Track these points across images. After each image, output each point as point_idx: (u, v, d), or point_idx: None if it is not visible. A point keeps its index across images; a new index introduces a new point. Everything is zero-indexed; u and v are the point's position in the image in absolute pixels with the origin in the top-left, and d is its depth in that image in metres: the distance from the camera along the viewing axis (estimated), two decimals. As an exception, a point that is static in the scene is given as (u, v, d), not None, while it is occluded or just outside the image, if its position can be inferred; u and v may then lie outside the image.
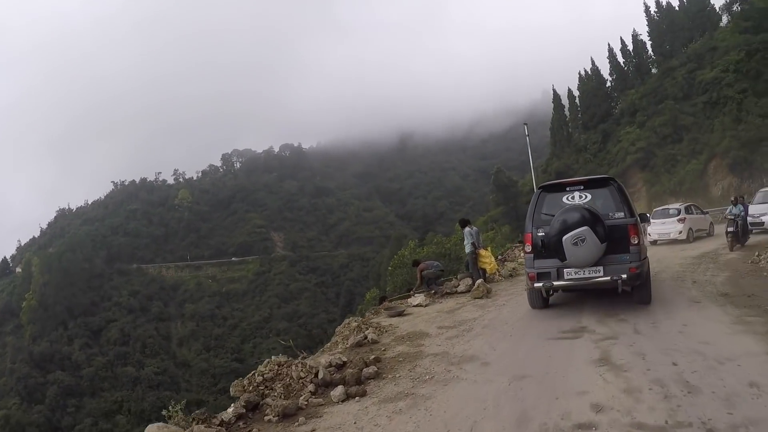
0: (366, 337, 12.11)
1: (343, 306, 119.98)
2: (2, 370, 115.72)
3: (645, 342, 9.25)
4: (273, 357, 10.48)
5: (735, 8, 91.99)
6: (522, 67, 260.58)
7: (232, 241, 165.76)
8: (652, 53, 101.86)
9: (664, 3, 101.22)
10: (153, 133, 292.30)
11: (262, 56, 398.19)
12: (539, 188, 12.92)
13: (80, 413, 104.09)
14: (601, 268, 11.35)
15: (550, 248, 11.63)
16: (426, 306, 16.49)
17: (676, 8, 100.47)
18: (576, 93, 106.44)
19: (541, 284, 11.89)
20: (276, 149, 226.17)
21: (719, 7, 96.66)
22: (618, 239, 11.31)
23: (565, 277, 11.62)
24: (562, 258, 11.42)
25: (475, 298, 16.42)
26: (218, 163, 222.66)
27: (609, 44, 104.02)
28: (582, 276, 11.46)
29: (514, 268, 22.79)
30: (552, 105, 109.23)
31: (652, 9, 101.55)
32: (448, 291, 18.40)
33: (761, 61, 73.79)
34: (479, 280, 17.66)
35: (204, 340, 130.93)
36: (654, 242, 30.36)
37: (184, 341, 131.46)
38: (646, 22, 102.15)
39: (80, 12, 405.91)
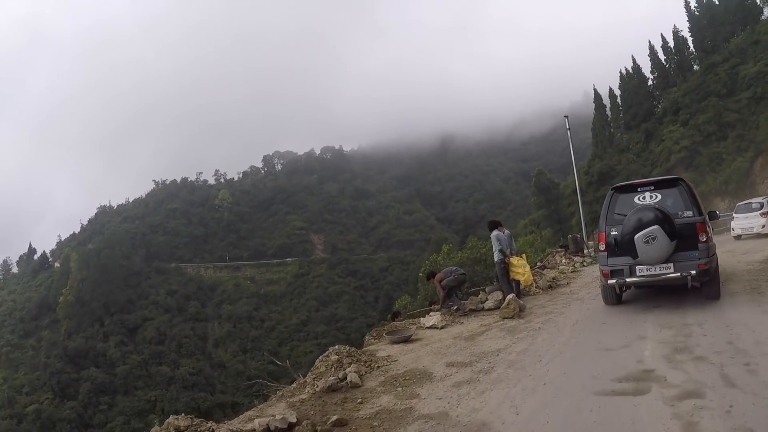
0: (344, 378, 9.42)
1: (381, 310, 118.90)
2: (36, 365, 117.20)
3: (745, 403, 6.35)
4: (172, 418, 8.04)
5: None
6: (562, 68, 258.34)
7: (272, 243, 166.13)
8: (693, 50, 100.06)
9: None
10: (195, 134, 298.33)
11: (302, 59, 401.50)
12: (612, 189, 13.47)
13: (112, 411, 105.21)
14: (671, 264, 11.81)
15: (622, 246, 12.15)
16: (442, 328, 13.84)
17: (716, 3, 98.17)
18: (617, 92, 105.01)
19: (614, 281, 12.43)
20: (317, 151, 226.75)
21: (760, 0, 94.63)
22: (687, 237, 11.82)
23: (637, 273, 12.13)
24: (634, 256, 11.96)
25: (505, 318, 13.75)
26: (259, 165, 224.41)
27: (650, 41, 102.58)
28: (653, 273, 11.96)
29: (554, 278, 20.46)
30: (593, 105, 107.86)
31: (692, 4, 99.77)
32: (473, 307, 15.79)
33: None
34: (510, 295, 14.66)
35: (240, 341, 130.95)
36: (738, 237, 30.28)
37: (221, 342, 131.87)
38: (687, 18, 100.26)
39: (130, 15, 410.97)
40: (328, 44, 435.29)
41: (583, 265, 26.05)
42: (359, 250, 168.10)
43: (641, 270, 12.04)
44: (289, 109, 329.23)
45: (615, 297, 13.34)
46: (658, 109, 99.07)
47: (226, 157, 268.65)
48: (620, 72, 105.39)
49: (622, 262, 12.28)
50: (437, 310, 16.56)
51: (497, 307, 15.01)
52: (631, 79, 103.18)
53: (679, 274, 11.62)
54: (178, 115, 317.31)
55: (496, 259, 17.13)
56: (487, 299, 16.18)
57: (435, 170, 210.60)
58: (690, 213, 12.11)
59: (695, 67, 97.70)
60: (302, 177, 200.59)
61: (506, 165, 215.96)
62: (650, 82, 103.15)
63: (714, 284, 12.21)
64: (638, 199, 12.56)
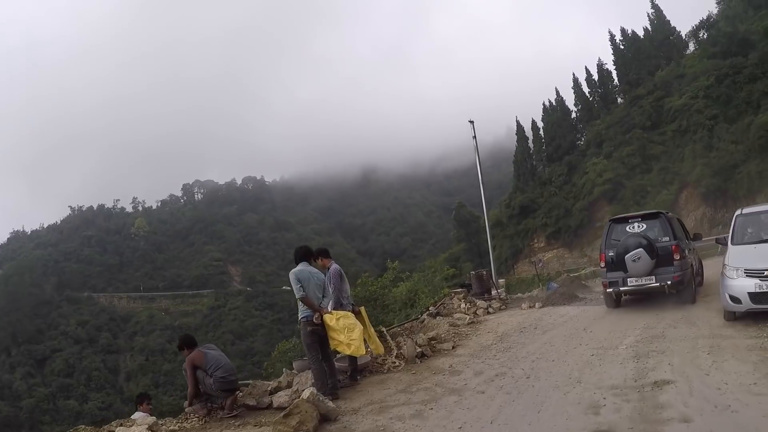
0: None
1: (297, 344, 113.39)
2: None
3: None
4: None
5: (701, 35, 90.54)
6: (487, 102, 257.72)
7: (188, 274, 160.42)
8: (617, 82, 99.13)
9: (629, 31, 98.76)
10: (117, 160, 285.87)
11: (229, 89, 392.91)
12: (609, 221, 17.44)
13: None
14: (653, 277, 15.00)
15: (617, 264, 15.39)
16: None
17: (641, 37, 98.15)
18: (540, 125, 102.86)
19: (611, 290, 15.86)
20: (239, 181, 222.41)
21: (686, 34, 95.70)
22: (664, 256, 14.99)
23: (628, 284, 15.34)
24: (625, 271, 15.18)
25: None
26: (179, 194, 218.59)
27: (573, 74, 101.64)
28: (640, 283, 15.18)
29: (432, 339, 13.55)
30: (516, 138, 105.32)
31: (617, 38, 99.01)
32: (251, 403, 9.49)
33: (731, 86, 72.03)
34: (307, 392, 8.14)
35: (153, 375, 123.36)
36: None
37: (132, 375, 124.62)
38: (612, 52, 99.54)
39: (59, 41, 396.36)
40: (255, 74, 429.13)
41: (489, 312, 19.14)
42: (278, 283, 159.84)
43: (631, 281, 15.27)
44: (213, 139, 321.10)
45: (614, 302, 16.47)
46: (581, 141, 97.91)
47: (149, 186, 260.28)
48: (543, 104, 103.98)
49: (617, 275, 15.52)
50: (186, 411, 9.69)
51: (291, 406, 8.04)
52: (555, 111, 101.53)
53: (659, 284, 14.93)
54: (102, 143, 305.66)
55: (299, 316, 10.03)
56: (282, 388, 10.00)
57: (357, 202, 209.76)
58: (667, 238, 15.39)
59: (619, 100, 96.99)
60: (222, 207, 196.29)
61: (429, 198, 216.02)
62: (574, 115, 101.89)
63: (688, 291, 15.40)
64: (629, 228, 15.95)
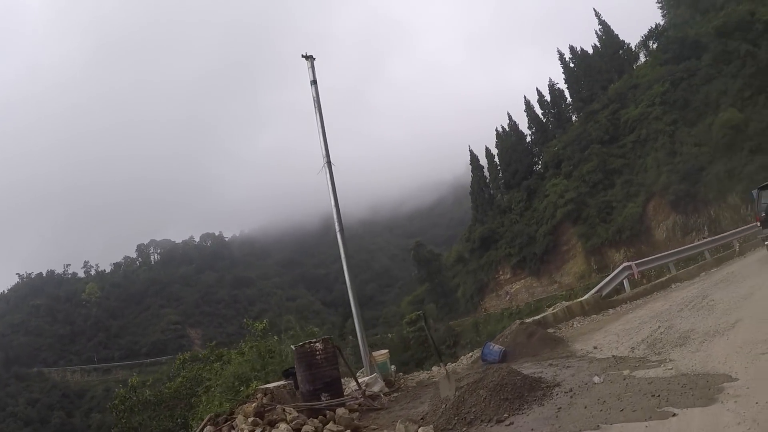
0: None
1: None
2: None
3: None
4: None
5: (651, 44, 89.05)
6: (445, 140, 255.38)
7: (145, 340, 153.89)
8: (571, 100, 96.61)
9: (578, 49, 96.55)
10: (69, 223, 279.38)
11: (186, 142, 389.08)
12: (758, 188, 20.28)
13: None
14: None
15: None
16: None
17: (590, 53, 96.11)
18: (495, 152, 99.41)
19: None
20: (196, 239, 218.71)
21: (635, 46, 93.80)
22: None
23: None
24: None
25: None
26: (134, 255, 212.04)
27: (525, 97, 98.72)
28: None
29: None
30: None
31: (567, 56, 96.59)
32: None
33: (688, 89, 70.70)
34: None
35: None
36: None
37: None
38: (562, 71, 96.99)
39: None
40: (212, 129, 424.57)
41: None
42: (239, 343, 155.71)
43: None
44: (169, 197, 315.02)
45: None
46: (538, 165, 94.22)
47: (102, 248, 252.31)
48: (496, 130, 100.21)
49: None
50: None
51: None
52: (509, 136, 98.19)
53: None
54: (51, 202, 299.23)
55: None
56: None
57: (320, 252, 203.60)
58: None
59: (574, 118, 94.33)
60: (179, 266, 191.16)
61: (392, 242, 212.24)
62: (529, 138, 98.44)
63: None
64: None
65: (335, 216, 13.92)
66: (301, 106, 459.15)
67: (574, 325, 16.04)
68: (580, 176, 78.09)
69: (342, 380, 12.43)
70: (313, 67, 15.76)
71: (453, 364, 15.52)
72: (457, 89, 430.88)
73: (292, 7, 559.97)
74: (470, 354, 16.16)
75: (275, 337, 19.19)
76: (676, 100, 70.45)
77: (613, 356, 10.66)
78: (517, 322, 15.17)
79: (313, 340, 11.92)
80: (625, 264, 21.04)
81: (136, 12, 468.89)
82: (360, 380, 12.79)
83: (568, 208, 76.76)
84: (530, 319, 16.35)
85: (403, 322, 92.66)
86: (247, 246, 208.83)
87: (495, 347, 13.71)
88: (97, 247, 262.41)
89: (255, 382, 13.28)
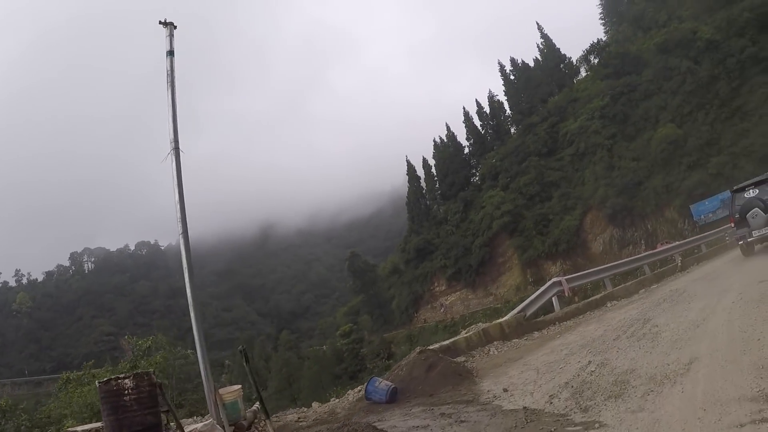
0: None
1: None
2: None
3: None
4: None
5: (592, 59, 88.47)
6: (385, 151, 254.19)
7: (77, 352, 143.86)
8: (510, 112, 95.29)
9: (519, 61, 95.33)
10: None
11: (123, 147, 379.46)
12: (731, 191, 22.38)
13: None
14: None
15: (742, 220, 20.28)
16: None
17: (531, 66, 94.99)
18: (432, 162, 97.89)
19: (742, 242, 20.42)
20: (132, 247, 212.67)
21: (576, 60, 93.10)
22: None
23: (753, 235, 19.84)
24: (749, 226, 19.97)
25: None
26: (67, 263, 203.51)
27: (464, 108, 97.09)
28: (759, 234, 19.62)
29: None
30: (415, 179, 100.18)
31: (508, 68, 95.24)
32: None
33: (627, 104, 70.67)
34: None
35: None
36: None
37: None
38: (502, 82, 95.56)
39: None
40: (151, 133, 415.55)
41: None
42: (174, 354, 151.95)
43: (755, 232, 19.75)
44: (105, 202, 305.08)
45: (749, 251, 20.45)
46: (476, 176, 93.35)
47: (34, 256, 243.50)
48: (434, 141, 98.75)
49: (744, 231, 20.17)
50: None
51: None
52: (446, 147, 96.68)
53: None
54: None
55: None
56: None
57: (257, 262, 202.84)
58: None
59: (513, 130, 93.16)
60: (113, 276, 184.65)
61: (330, 252, 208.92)
62: (467, 150, 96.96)
63: None
64: (746, 194, 20.54)
65: (179, 215, 9.95)
66: (242, 115, 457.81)
67: (491, 352, 12.80)
68: (518, 188, 77.21)
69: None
70: (172, 35, 12.72)
71: (336, 400, 12.15)
72: (399, 100, 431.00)
73: (237, 12, 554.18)
74: (359, 388, 12.30)
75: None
76: (615, 115, 70.26)
77: (525, 408, 7.51)
78: (417, 349, 11.46)
79: (122, 376, 8.38)
80: (554, 279, 18.03)
81: (73, 2, 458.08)
82: (191, 428, 9.21)
83: (504, 219, 75.52)
84: (437, 345, 12.96)
85: (337, 334, 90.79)
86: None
87: (382, 384, 10.40)
88: (29, 254, 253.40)
89: (69, 421, 10.65)
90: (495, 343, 13.41)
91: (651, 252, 27.72)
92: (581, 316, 15.46)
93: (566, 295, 17.64)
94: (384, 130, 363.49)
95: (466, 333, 14.24)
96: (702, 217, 54.36)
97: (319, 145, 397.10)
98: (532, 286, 65.17)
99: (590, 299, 17.94)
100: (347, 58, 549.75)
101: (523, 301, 17.38)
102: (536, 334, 14.18)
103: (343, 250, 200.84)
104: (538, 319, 15.51)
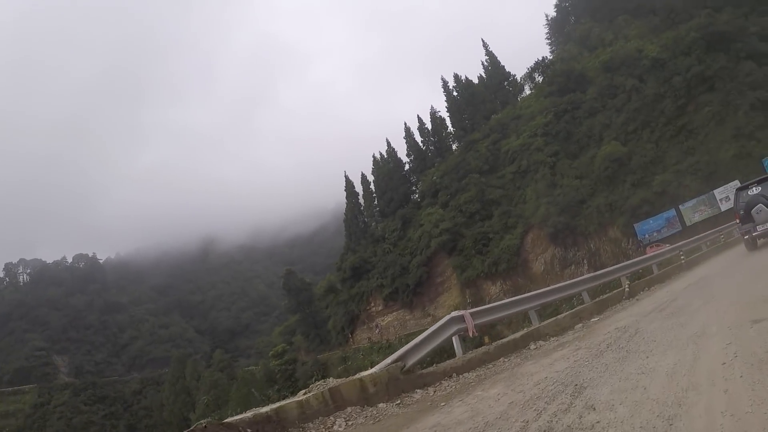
0: None
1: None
2: None
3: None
4: None
5: (537, 77, 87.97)
6: (330, 167, 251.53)
7: (8, 367, 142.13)
8: (452, 129, 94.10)
9: (463, 77, 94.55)
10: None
11: (63, 157, 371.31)
12: (736, 189, 24.09)
13: None
14: None
15: (746, 216, 21.44)
16: None
17: (476, 82, 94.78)
18: (371, 178, 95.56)
19: (747, 236, 21.74)
20: (69, 259, 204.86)
21: (521, 77, 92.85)
22: None
23: (757, 230, 21.07)
24: (753, 221, 21.19)
25: None
26: (1, 275, 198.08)
27: (405, 123, 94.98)
28: (764, 228, 20.83)
29: None
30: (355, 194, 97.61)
31: (451, 84, 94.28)
32: None
33: (571, 122, 69.88)
34: None
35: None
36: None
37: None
38: (445, 98, 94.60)
39: None
40: (94, 142, 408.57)
41: None
42: (109, 372, 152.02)
43: (758, 227, 20.97)
44: (44, 210, 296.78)
45: (753, 245, 21.85)
46: (415, 193, 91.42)
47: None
48: (374, 156, 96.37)
49: (749, 226, 21.41)
50: None
51: None
52: (386, 163, 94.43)
53: None
54: None
55: None
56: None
57: (197, 278, 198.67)
58: None
59: (454, 147, 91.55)
60: (46, 289, 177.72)
61: (271, 269, 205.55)
62: (407, 166, 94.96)
63: None
64: (749, 192, 21.95)
65: None
66: (188, 126, 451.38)
67: (335, 427, 7.60)
68: (457, 206, 74.94)
69: None
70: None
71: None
72: (346, 116, 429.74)
73: (188, 24, 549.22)
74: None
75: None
76: (558, 132, 69.22)
77: None
78: (203, 423, 6.87)
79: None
80: (454, 314, 11.88)
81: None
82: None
83: (443, 238, 73.13)
84: (250, 413, 7.29)
85: (270, 354, 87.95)
86: (122, 269, 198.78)
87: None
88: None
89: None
90: (348, 410, 8.21)
91: (607, 269, 21.85)
92: (490, 365, 10.55)
93: (470, 335, 11.86)
94: (329, 146, 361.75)
95: (305, 394, 8.47)
96: (647, 236, 54.10)
97: (264, 159, 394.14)
98: (470, 306, 62.49)
99: (506, 339, 12.84)
100: (295, 73, 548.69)
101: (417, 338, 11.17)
102: (418, 394, 9.12)
103: (284, 267, 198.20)
104: (427, 370, 10.25)
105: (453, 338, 11.55)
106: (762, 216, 20.72)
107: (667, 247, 31.01)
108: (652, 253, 27.75)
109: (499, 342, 12.33)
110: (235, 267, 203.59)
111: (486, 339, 13.97)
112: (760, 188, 21.58)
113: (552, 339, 12.39)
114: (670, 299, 14.05)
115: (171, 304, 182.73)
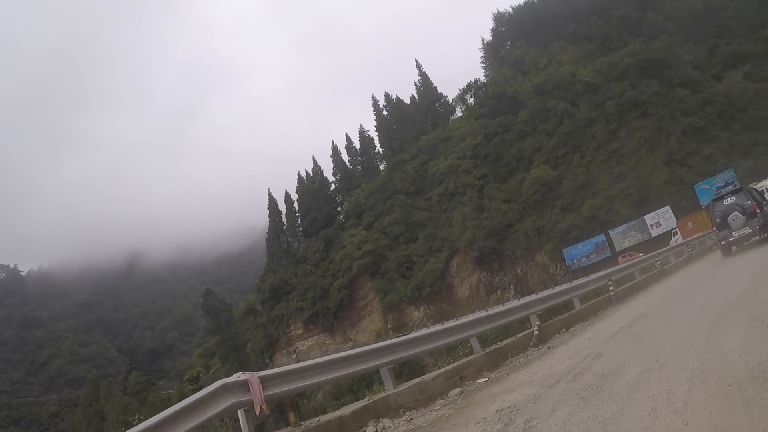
0: None
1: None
2: None
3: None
4: None
5: (469, 99, 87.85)
6: (260, 185, 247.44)
7: None
8: (381, 149, 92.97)
9: (394, 97, 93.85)
10: None
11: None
12: (712, 200, 26.58)
13: None
14: (747, 227, 23.00)
15: (723, 224, 23.39)
16: None
17: (407, 103, 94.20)
18: (295, 197, 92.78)
19: (724, 242, 23.65)
20: None
21: (453, 99, 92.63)
22: (750, 213, 23.01)
23: (734, 235, 23.18)
24: (729, 228, 23.24)
25: None
26: None
27: (333, 141, 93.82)
28: (740, 233, 23.02)
29: None
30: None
31: (381, 103, 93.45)
32: None
33: (501, 144, 69.37)
34: None
35: None
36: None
37: None
38: (374, 117, 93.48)
39: None
40: (17, 149, 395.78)
41: None
42: (26, 392, 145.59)
43: (734, 233, 23.07)
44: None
45: (728, 251, 23.81)
46: (340, 214, 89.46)
47: None
48: (298, 174, 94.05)
49: (725, 233, 23.39)
50: None
51: None
52: (311, 181, 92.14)
53: (751, 230, 22.94)
54: None
55: None
56: None
57: (121, 295, 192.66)
58: (749, 202, 23.34)
59: (382, 167, 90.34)
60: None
61: (197, 288, 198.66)
62: (333, 186, 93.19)
63: None
64: (725, 201, 24.09)
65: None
66: (118, 137, 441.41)
67: None
68: (381, 228, 73.67)
69: None
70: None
71: None
72: (279, 134, 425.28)
73: (126, 33, 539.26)
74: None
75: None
76: (488, 154, 68.61)
77: None
78: None
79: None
80: (233, 378, 7.09)
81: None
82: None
83: (365, 260, 71.57)
84: None
85: (185, 379, 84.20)
86: (45, 282, 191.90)
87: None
88: None
89: None
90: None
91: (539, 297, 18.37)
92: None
93: (258, 412, 6.91)
94: (262, 163, 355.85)
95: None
96: (575, 261, 53.91)
97: (196, 175, 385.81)
98: (392, 332, 61.66)
99: (327, 418, 7.93)
100: (231, 88, 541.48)
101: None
102: None
103: (211, 287, 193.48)
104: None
105: (239, 414, 6.91)
106: (737, 223, 23.01)
107: (641, 256, 33.18)
108: (624, 264, 29.86)
109: (314, 423, 7.60)
110: (160, 285, 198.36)
111: (291, 417, 6.61)
112: (734, 198, 24.12)
113: (405, 416, 7.72)
114: (592, 354, 8.94)
115: (93, 322, 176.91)
